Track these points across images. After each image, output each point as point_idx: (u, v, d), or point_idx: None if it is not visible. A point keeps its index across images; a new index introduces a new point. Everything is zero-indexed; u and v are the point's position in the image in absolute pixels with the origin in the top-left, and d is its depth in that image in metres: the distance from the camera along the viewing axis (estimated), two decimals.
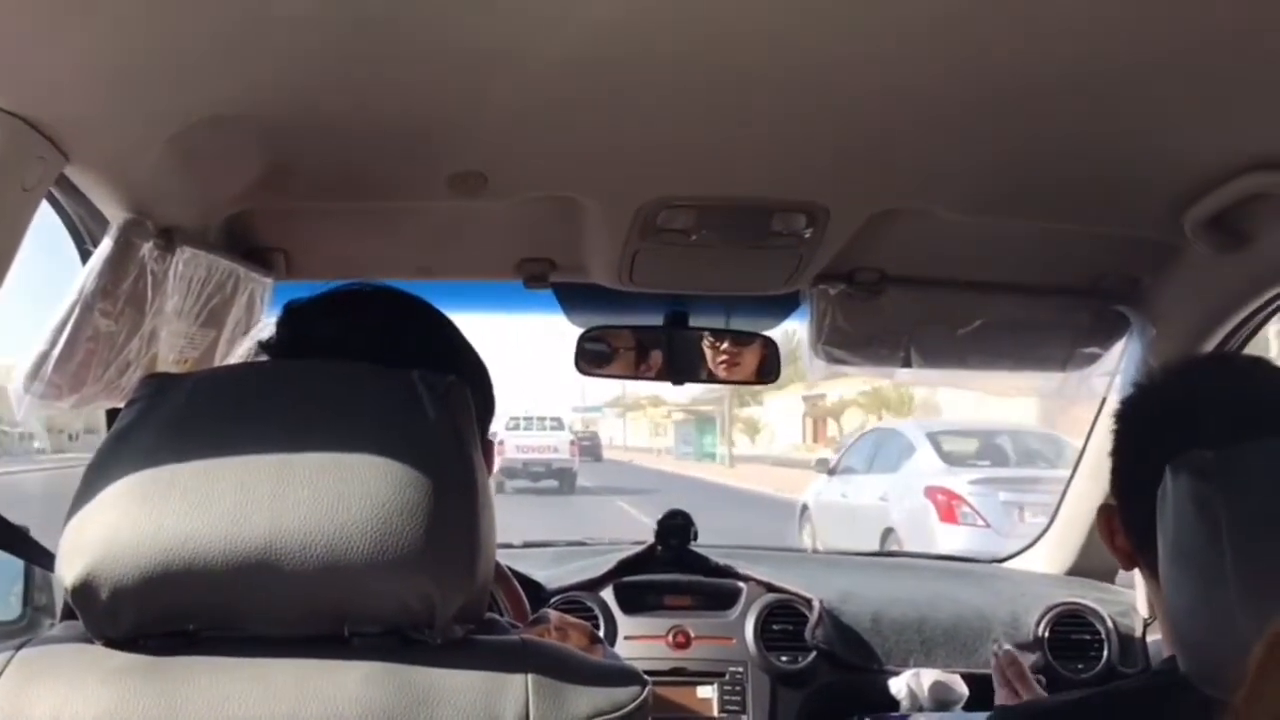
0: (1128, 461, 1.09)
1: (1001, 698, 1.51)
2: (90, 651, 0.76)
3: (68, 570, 0.74)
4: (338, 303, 1.04)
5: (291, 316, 1.04)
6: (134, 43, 0.99)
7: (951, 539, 8.23)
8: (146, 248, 1.25)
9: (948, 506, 8.75)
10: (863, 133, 1.28)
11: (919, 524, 8.82)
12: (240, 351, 1.54)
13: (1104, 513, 1.12)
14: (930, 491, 8.97)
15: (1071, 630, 2.05)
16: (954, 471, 9.23)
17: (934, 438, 9.98)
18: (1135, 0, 0.94)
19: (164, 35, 0.99)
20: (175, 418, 0.78)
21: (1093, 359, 1.93)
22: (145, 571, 0.73)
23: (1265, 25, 0.97)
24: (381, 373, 0.81)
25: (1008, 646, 1.53)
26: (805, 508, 11.48)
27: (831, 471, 11.18)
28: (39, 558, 1.31)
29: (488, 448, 1.04)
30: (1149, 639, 2.01)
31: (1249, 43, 1.00)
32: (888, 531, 9.22)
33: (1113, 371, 1.94)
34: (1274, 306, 1.63)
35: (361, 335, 0.98)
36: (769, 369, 2.06)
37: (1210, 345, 1.68)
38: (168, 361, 1.35)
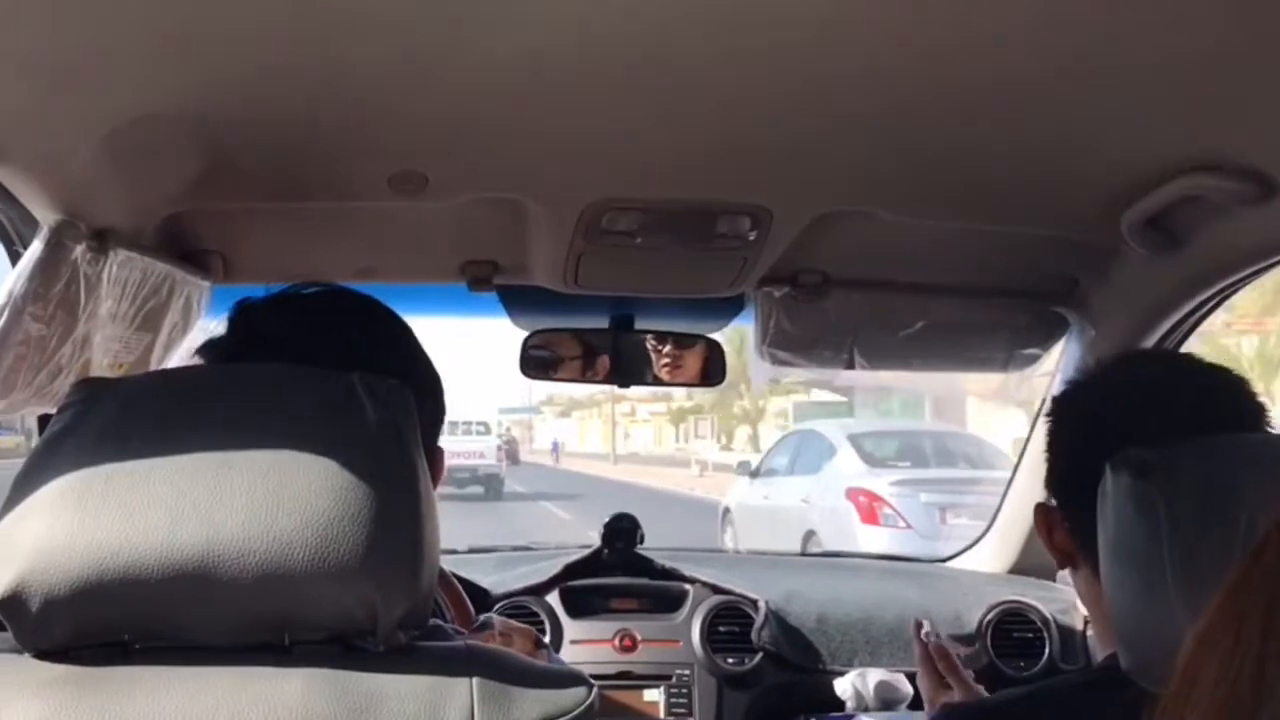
0: (1066, 460, 1.10)
1: (925, 687, 1.53)
2: (20, 664, 0.74)
3: None
4: (291, 303, 1.02)
5: (243, 315, 1.01)
6: (65, 40, 0.97)
7: (873, 541, 8.24)
8: (79, 250, 1.22)
9: (869, 508, 8.78)
10: (805, 136, 1.28)
11: (840, 526, 8.82)
12: (177, 356, 1.51)
13: (1040, 511, 1.13)
14: (851, 493, 8.98)
15: (1014, 628, 2.08)
16: (875, 473, 9.25)
17: (855, 439, 10.01)
18: (1069, 4, 0.96)
19: (96, 33, 0.96)
20: (109, 423, 0.76)
21: (1033, 360, 1.96)
22: (78, 581, 0.71)
23: (1197, 28, 0.98)
24: (321, 375, 0.80)
25: (937, 636, 1.54)
26: (727, 510, 11.48)
27: (754, 474, 11.15)
28: None
29: (437, 455, 1.03)
30: (1090, 635, 2.04)
31: (1182, 46, 1.02)
32: (809, 534, 9.15)
33: (1052, 372, 1.97)
34: (1209, 306, 1.66)
35: (314, 336, 0.96)
36: (714, 371, 2.06)
37: (1148, 345, 1.71)
38: (102, 366, 1.32)
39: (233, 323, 1.02)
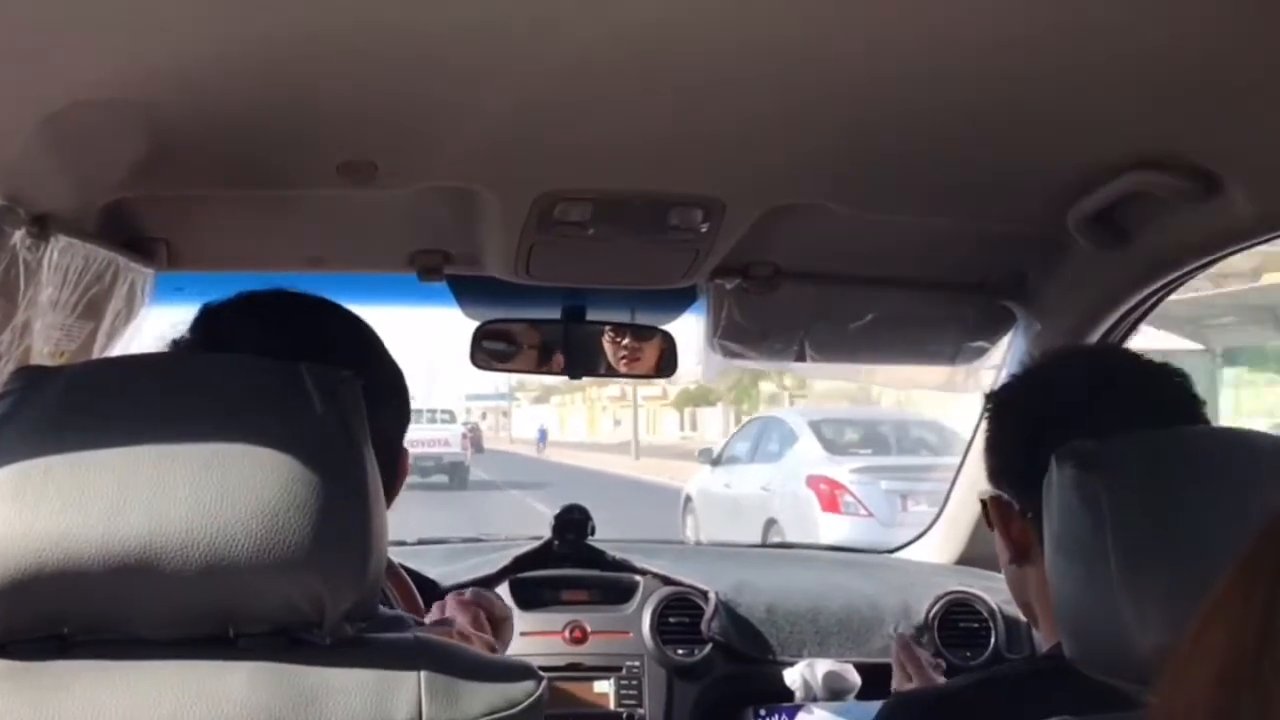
0: (1020, 452, 1.11)
1: (897, 683, 1.54)
2: None
3: None
4: (255, 305, 1.02)
5: (207, 318, 1.01)
6: (1, 20, 0.94)
7: (834, 528, 8.24)
8: (18, 235, 1.20)
9: (830, 496, 8.72)
10: (756, 129, 1.28)
11: (801, 514, 8.80)
12: (120, 344, 1.49)
13: (995, 505, 1.14)
14: (812, 480, 8.93)
15: (960, 618, 2.10)
16: (836, 460, 9.19)
17: (816, 426, 9.95)
18: (1016, 2, 0.96)
19: (35, 13, 0.94)
20: (49, 412, 0.75)
21: (980, 353, 1.98)
22: (16, 572, 0.69)
23: (1144, 27, 1.00)
24: (266, 365, 0.79)
25: (901, 633, 1.56)
26: (689, 499, 11.41)
27: (715, 461, 11.08)
28: None
29: (402, 456, 1.02)
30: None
31: (1129, 44, 1.03)
32: (770, 522, 9.19)
33: (999, 365, 1.99)
34: (1154, 300, 1.68)
35: (278, 340, 0.95)
36: (667, 363, 2.06)
37: (1093, 339, 1.73)
38: (42, 354, 1.30)
39: (193, 325, 1.01)
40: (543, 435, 40.84)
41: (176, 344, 1.01)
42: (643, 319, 2.05)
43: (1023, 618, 2.08)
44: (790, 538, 8.49)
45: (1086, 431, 0.93)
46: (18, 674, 0.71)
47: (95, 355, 1.43)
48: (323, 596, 0.73)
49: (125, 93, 1.12)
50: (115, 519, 0.70)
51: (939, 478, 7.65)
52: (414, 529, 2.49)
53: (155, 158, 1.28)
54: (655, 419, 47.02)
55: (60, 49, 1.02)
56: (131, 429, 0.73)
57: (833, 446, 9.66)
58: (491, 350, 2.04)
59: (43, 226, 1.23)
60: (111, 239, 1.44)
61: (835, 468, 8.98)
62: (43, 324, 1.28)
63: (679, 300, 1.97)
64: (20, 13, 0.93)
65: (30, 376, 0.78)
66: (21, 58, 1.02)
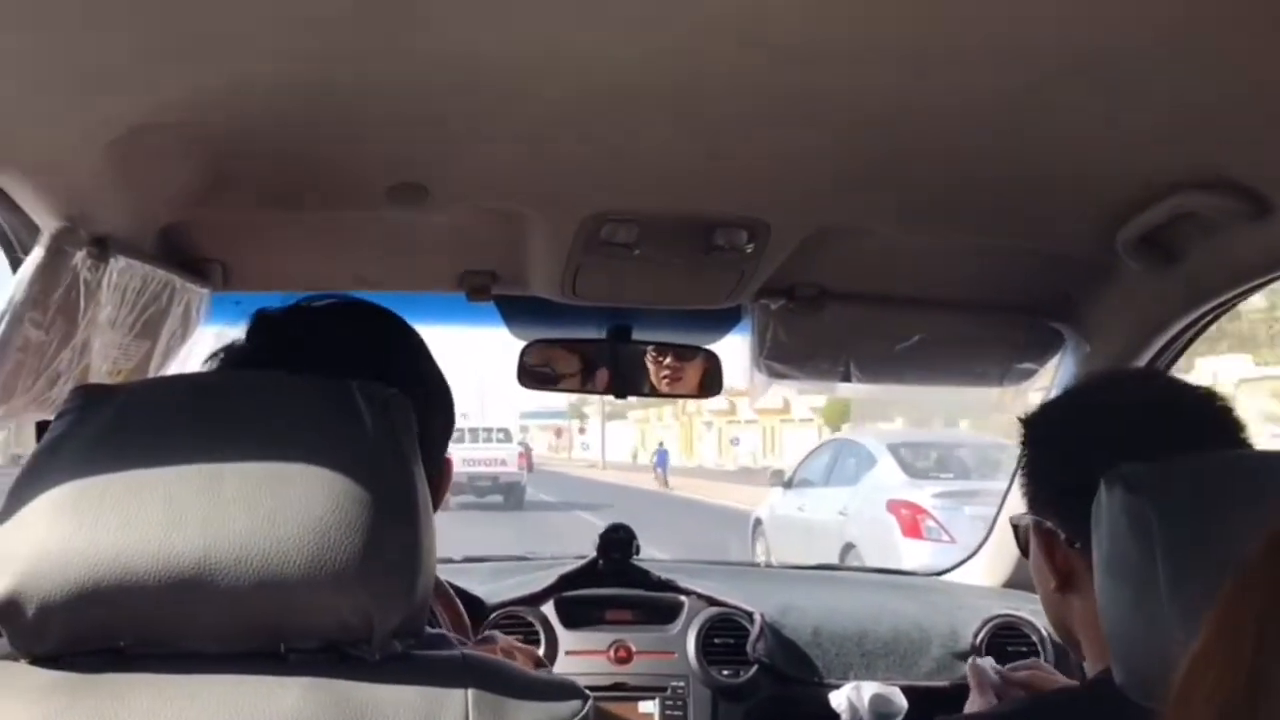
0: (1058, 477, 1.10)
1: (969, 706, 1.53)
2: (15, 670, 0.74)
3: None
4: (306, 313, 1.03)
5: (262, 325, 1.02)
6: (69, 50, 0.97)
7: (916, 554, 8.00)
8: (79, 256, 1.22)
9: (912, 521, 8.52)
10: (802, 151, 1.29)
11: (881, 539, 8.60)
12: (176, 363, 1.52)
13: (1039, 532, 1.12)
14: (893, 505, 8.74)
15: (1008, 641, 2.08)
16: (917, 484, 9.00)
17: (895, 449, 9.73)
18: (1067, 22, 0.96)
19: (100, 43, 0.97)
20: (107, 430, 0.77)
21: (1028, 374, 1.96)
22: (75, 587, 0.71)
23: (1193, 46, 0.99)
24: (319, 383, 0.80)
25: (976, 659, 1.54)
26: (759, 522, 11.19)
27: (787, 484, 10.87)
28: None
29: (446, 465, 1.03)
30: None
31: (1178, 64, 1.02)
32: (848, 546, 8.98)
33: (1048, 387, 1.97)
34: (1204, 322, 1.66)
35: (329, 346, 0.97)
36: (711, 383, 2.07)
37: (1142, 361, 1.71)
38: (100, 373, 1.33)
39: (250, 332, 1.03)
40: (662, 459, 30.56)
41: (230, 351, 1.02)
42: (687, 339, 2.06)
43: None
44: (870, 563, 8.29)
45: (1134, 456, 0.93)
46: (76, 686, 0.73)
47: (151, 374, 1.46)
48: (372, 613, 0.74)
49: (186, 118, 1.15)
50: (171, 535, 0.71)
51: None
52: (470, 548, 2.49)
53: (212, 181, 1.31)
54: (775, 437, 37.09)
55: (123, 76, 1.05)
56: (187, 447, 0.75)
57: (912, 470, 9.45)
58: (537, 370, 2.05)
59: (103, 248, 1.26)
60: (169, 260, 1.47)
61: (917, 492, 8.79)
62: (101, 343, 1.31)
63: (724, 320, 1.97)
64: (85, 40, 0.96)
65: (88, 395, 0.80)
66: (86, 85, 1.05)
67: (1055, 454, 1.12)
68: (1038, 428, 1.16)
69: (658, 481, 28.30)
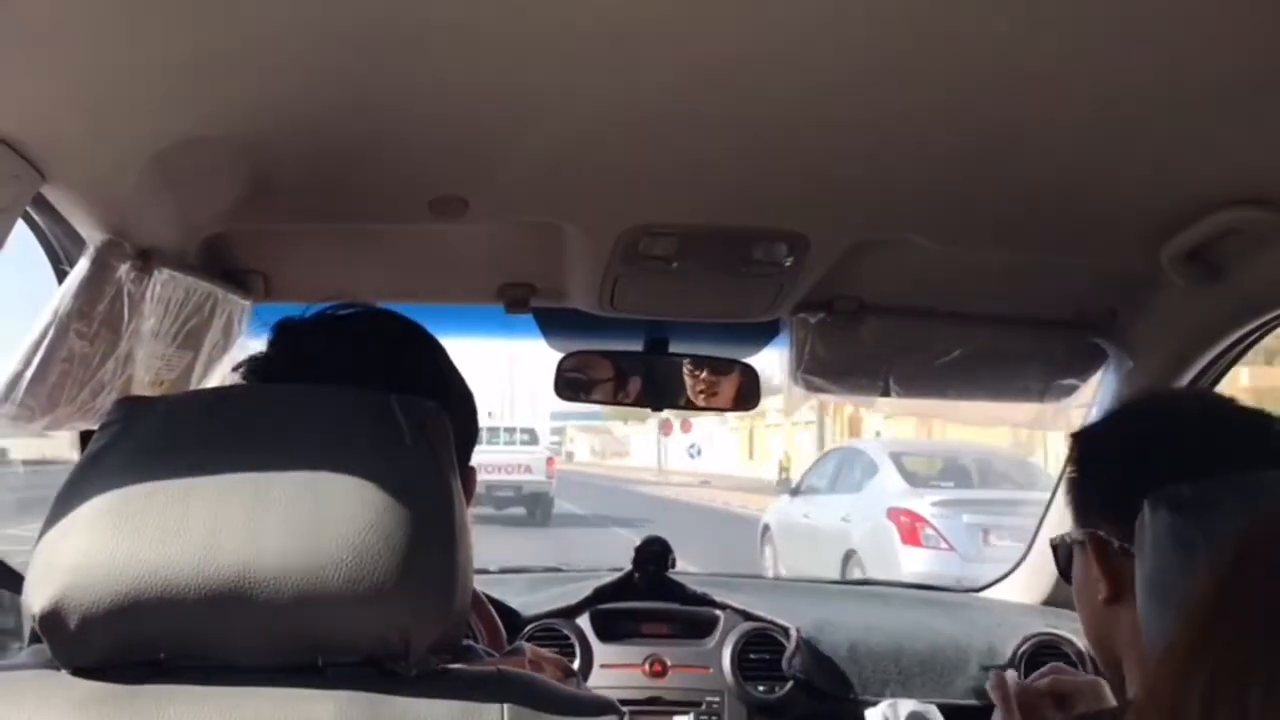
0: (1110, 488, 1.08)
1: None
2: (57, 679, 0.75)
3: (36, 596, 0.73)
4: (329, 322, 1.04)
5: (285, 335, 1.03)
6: (115, 64, 0.99)
7: (914, 561, 8.22)
8: (124, 269, 1.24)
9: (910, 528, 8.62)
10: (842, 164, 1.28)
11: (881, 546, 8.74)
12: (218, 374, 1.53)
13: (1093, 541, 1.11)
14: (893, 513, 8.84)
15: (1049, 660, 2.05)
16: (917, 492, 9.08)
17: (897, 457, 9.85)
18: (1113, 38, 0.95)
19: (145, 56, 0.98)
20: (149, 442, 0.77)
21: (1070, 390, 1.94)
22: (116, 599, 0.72)
23: (1242, 62, 0.98)
24: (358, 397, 0.80)
25: (995, 672, 1.51)
26: (767, 528, 11.23)
27: (794, 491, 10.98)
28: (6, 580, 1.29)
29: (469, 475, 1.03)
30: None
31: (1223, 78, 1.01)
32: (849, 553, 9.11)
33: (1089, 403, 1.95)
34: (1250, 340, 1.64)
35: (352, 355, 0.98)
36: (748, 396, 2.06)
37: (1186, 378, 1.69)
38: (143, 383, 1.34)
39: (273, 341, 1.03)
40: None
41: (254, 360, 1.03)
42: (725, 352, 2.05)
43: None
44: (870, 569, 8.53)
45: (1184, 475, 0.91)
46: (117, 697, 0.73)
47: (193, 385, 1.47)
48: (409, 628, 0.74)
49: (229, 131, 1.16)
50: (211, 548, 0.72)
51: (1024, 512, 7.62)
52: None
53: (255, 193, 1.33)
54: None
55: (168, 90, 1.06)
56: (227, 460, 0.76)
57: (914, 479, 9.54)
58: (574, 380, 2.06)
59: (147, 260, 1.28)
60: (211, 271, 1.49)
61: (916, 500, 8.87)
62: (144, 354, 1.32)
63: (761, 334, 1.97)
64: (130, 55, 0.98)
65: (131, 409, 0.81)
66: (131, 98, 1.06)
67: (1109, 466, 1.11)
68: (1091, 441, 1.14)
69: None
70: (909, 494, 9.09)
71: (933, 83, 1.05)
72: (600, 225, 1.48)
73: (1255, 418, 1.07)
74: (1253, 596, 0.44)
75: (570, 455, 45.24)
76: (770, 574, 9.55)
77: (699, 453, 32.61)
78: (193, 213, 1.36)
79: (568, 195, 1.40)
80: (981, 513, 8.50)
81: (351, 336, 1.02)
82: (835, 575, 8.59)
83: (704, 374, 2.06)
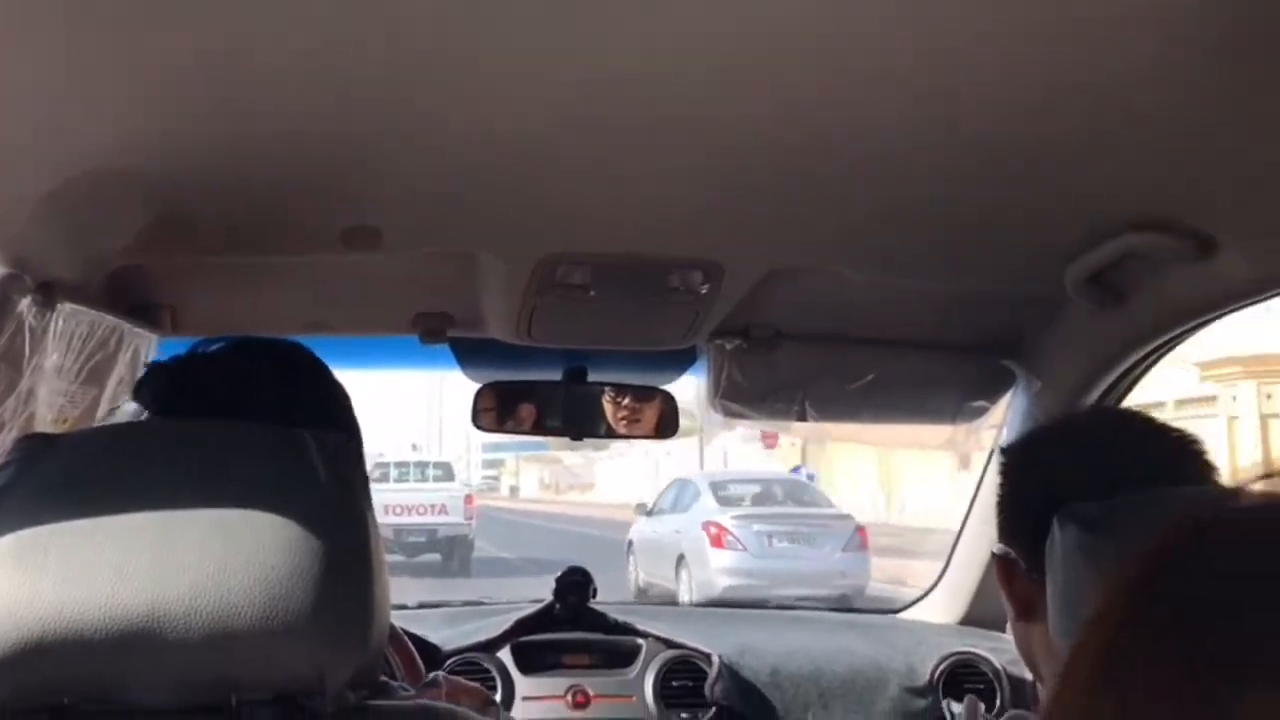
0: (1025, 511, 1.11)
1: None
2: None
3: None
4: (202, 361, 1.01)
5: (155, 376, 1.01)
6: (10, 94, 0.96)
7: (719, 559, 11.69)
8: (24, 303, 1.20)
9: (717, 535, 11.92)
10: (754, 193, 1.29)
11: (699, 549, 11.98)
12: (124, 410, 1.49)
13: (1000, 563, 1.13)
14: (705, 525, 12.11)
15: (966, 679, 2.08)
16: (723, 510, 12.48)
17: (715, 485, 13.59)
18: (1014, 65, 0.98)
19: (39, 87, 0.96)
20: (52, 479, 0.75)
21: (981, 412, 1.98)
22: (18, 642, 0.69)
23: (1142, 90, 1.01)
24: (270, 431, 0.79)
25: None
26: (630, 543, 14.36)
27: (649, 513, 14.36)
28: None
29: None
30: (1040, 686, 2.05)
31: (1127, 107, 1.04)
32: (680, 557, 12.39)
33: (1000, 424, 1.99)
34: (1152, 359, 1.69)
35: (238, 383, 0.96)
36: (668, 424, 2.07)
37: (1092, 398, 1.73)
38: (46, 421, 1.30)
39: (142, 384, 1.01)
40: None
41: (142, 391, 1.01)
42: (643, 379, 2.06)
43: (1028, 676, 2.07)
44: (692, 568, 11.96)
45: (1097, 494, 0.93)
46: None
47: (98, 421, 1.43)
48: (325, 664, 0.72)
49: (130, 162, 1.14)
50: (118, 588, 0.70)
51: (795, 521, 12.08)
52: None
53: (160, 225, 1.30)
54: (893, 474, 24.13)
55: (66, 120, 1.03)
56: (134, 497, 0.74)
57: (726, 500, 13.01)
58: (491, 410, 2.04)
59: (48, 294, 1.24)
60: (116, 305, 1.45)
61: (722, 515, 12.22)
62: (47, 390, 1.28)
63: (679, 361, 1.98)
64: (27, 85, 0.95)
65: (32, 445, 0.78)
66: (29, 129, 1.03)
67: (1021, 486, 1.13)
68: (1010, 459, 1.17)
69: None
70: (718, 511, 12.43)
71: (840, 114, 1.07)
72: (516, 254, 1.47)
73: (1165, 433, 1.10)
74: (1160, 609, 0.45)
75: (514, 490, 42.81)
76: (632, 579, 13.37)
77: None
78: (95, 246, 1.33)
79: (482, 224, 1.39)
80: (767, 523, 11.97)
81: (227, 369, 1.00)
82: (672, 575, 12.48)
83: (625, 401, 2.06)
